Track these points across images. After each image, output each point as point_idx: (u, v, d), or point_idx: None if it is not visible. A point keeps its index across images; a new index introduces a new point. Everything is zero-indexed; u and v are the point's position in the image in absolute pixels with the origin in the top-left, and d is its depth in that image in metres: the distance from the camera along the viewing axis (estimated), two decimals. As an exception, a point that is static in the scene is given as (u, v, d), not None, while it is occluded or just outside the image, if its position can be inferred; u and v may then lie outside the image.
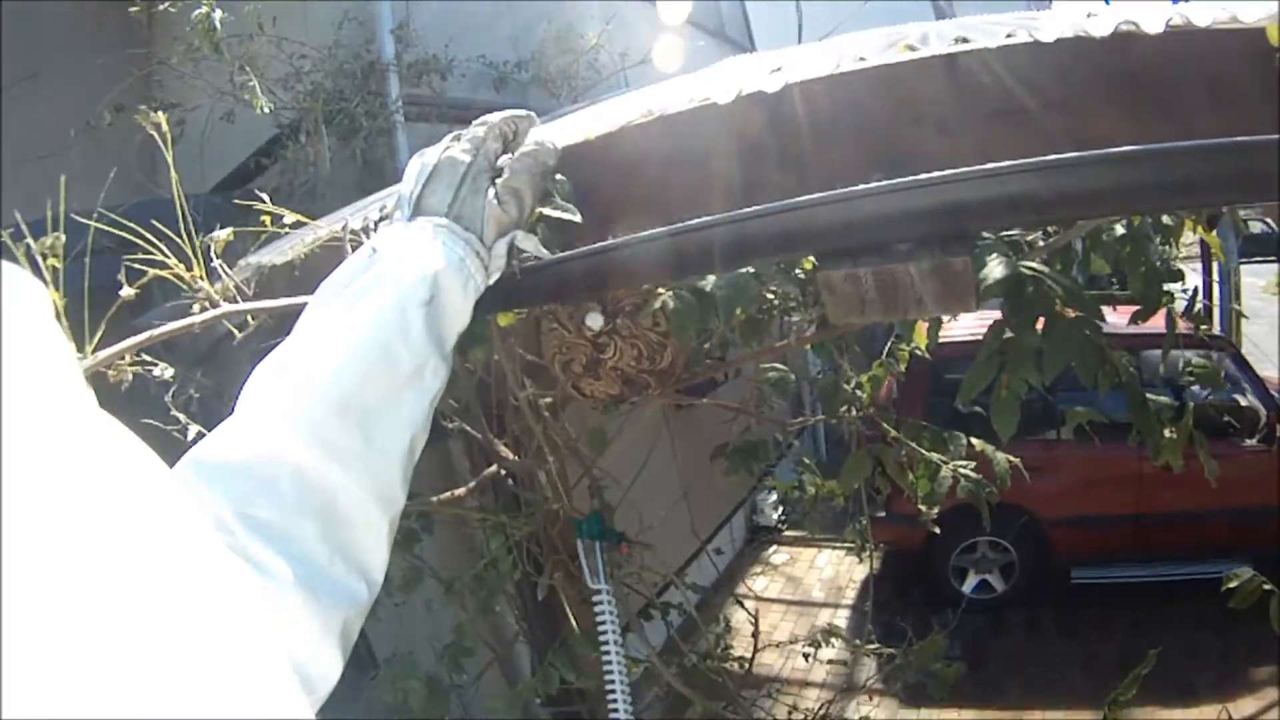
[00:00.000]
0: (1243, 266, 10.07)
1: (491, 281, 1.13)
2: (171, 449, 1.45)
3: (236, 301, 1.41)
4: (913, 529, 5.55)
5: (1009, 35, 0.97)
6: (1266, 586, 2.07)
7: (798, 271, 1.59)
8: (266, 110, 4.07)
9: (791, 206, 0.94)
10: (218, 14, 3.75)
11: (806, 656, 3.62)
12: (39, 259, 1.22)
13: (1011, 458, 2.19)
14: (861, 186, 0.90)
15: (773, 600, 7.59)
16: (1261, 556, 6.42)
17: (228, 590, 0.55)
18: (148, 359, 1.45)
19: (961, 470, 2.06)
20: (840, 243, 0.97)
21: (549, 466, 1.87)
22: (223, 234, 1.48)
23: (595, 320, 1.39)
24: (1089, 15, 0.96)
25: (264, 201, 1.52)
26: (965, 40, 1.01)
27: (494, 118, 1.18)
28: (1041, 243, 1.63)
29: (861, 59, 1.03)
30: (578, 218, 1.16)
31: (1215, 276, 8.71)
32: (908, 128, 1.02)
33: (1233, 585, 2.15)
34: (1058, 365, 1.41)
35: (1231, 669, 5.77)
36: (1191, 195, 0.86)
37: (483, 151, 1.14)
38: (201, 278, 1.40)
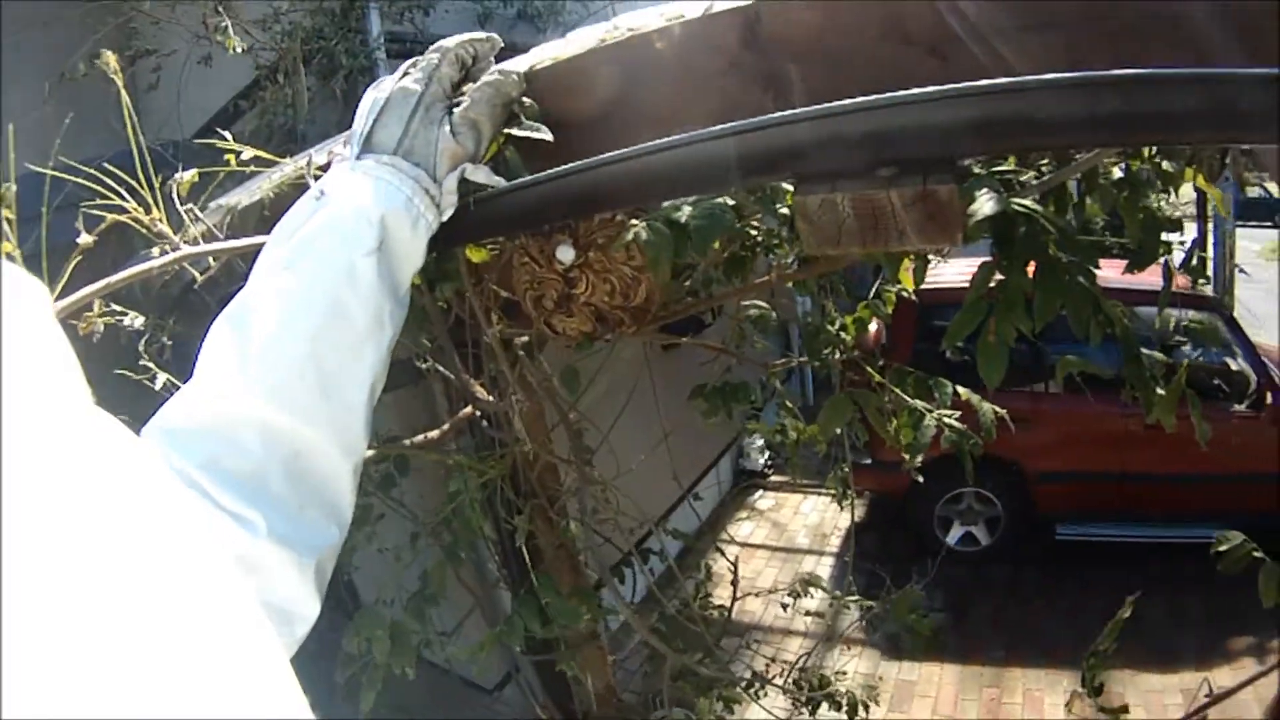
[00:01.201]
0: (1238, 230, 10.01)
1: (445, 218, 1.08)
2: (144, 399, 1.43)
3: (201, 241, 1.37)
4: (896, 476, 5.53)
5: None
6: (1257, 554, 2.03)
7: (781, 208, 1.53)
8: (239, 50, 3.99)
9: (764, 124, 0.87)
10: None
11: (785, 607, 3.61)
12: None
13: (998, 409, 2.14)
14: (840, 103, 0.83)
15: (757, 546, 7.64)
16: (1246, 523, 6.44)
17: (224, 587, 0.55)
18: (117, 308, 1.42)
19: (946, 420, 2.01)
20: (816, 164, 0.90)
21: (521, 407, 1.82)
22: (186, 175, 1.43)
23: (566, 253, 1.33)
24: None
25: (228, 141, 1.47)
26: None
27: (449, 42, 1.12)
28: (1035, 181, 1.57)
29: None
30: (549, 136, 1.11)
31: (1211, 236, 8.65)
32: (896, 48, 0.96)
33: (1222, 549, 2.10)
34: (1049, 311, 1.35)
35: (1211, 636, 5.80)
36: (1216, 125, 0.79)
37: (436, 79, 1.09)
38: (161, 221, 1.36)
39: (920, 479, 2.54)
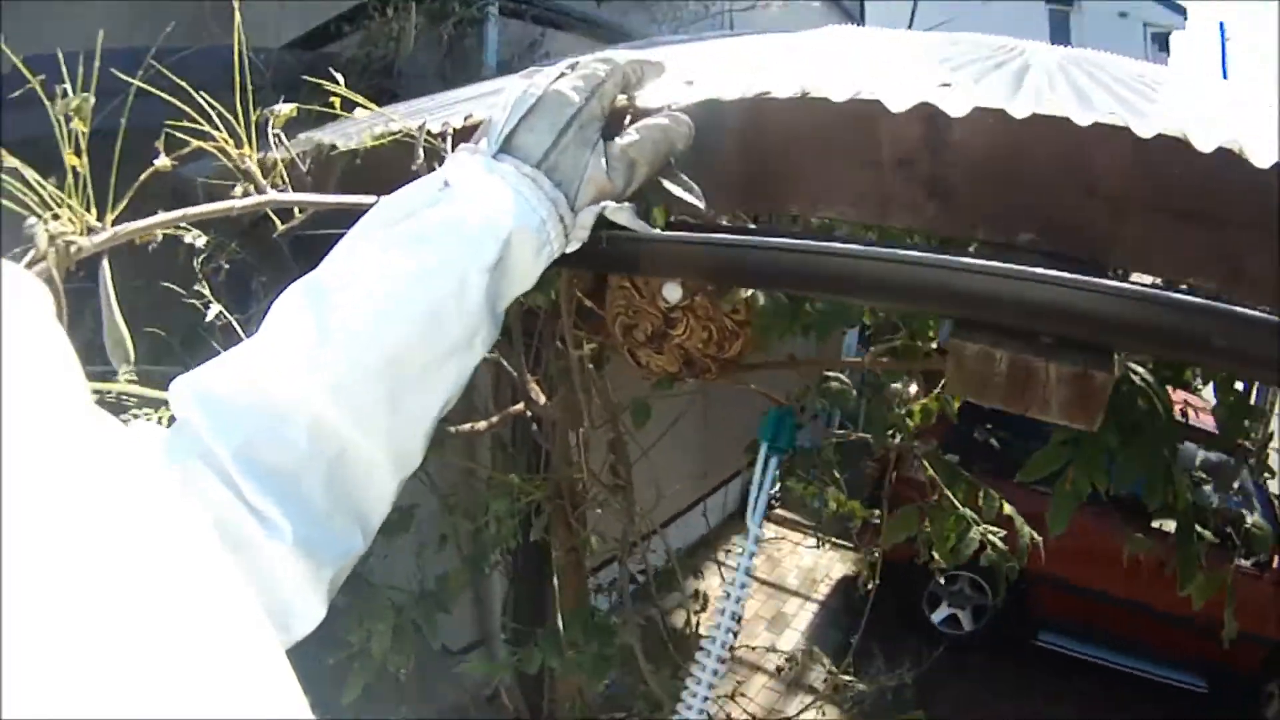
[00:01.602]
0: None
1: (570, 250, 0.98)
2: (188, 317, 1.38)
3: (286, 182, 1.26)
4: (905, 544, 5.50)
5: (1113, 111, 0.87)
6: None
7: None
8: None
9: (956, 265, 0.82)
10: None
11: (780, 670, 3.61)
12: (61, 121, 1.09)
13: (1035, 535, 2.10)
14: (1042, 271, 0.78)
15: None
16: (1223, 677, 6.45)
17: (224, 589, 0.53)
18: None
19: (990, 538, 1.97)
20: (993, 316, 0.86)
21: (583, 429, 1.77)
22: (284, 109, 1.30)
23: (673, 292, 1.29)
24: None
25: (335, 80, 1.35)
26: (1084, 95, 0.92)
27: (621, 57, 1.02)
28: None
29: (1051, 103, 0.91)
30: (701, 204, 1.02)
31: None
32: (1076, 194, 0.91)
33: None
34: (1128, 478, 1.32)
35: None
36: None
37: (598, 95, 0.98)
38: (250, 158, 1.23)
39: (943, 581, 2.49)
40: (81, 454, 0.49)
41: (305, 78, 1.40)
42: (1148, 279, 0.97)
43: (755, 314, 1.23)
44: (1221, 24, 27.17)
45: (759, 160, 1.10)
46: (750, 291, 1.20)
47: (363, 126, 1.42)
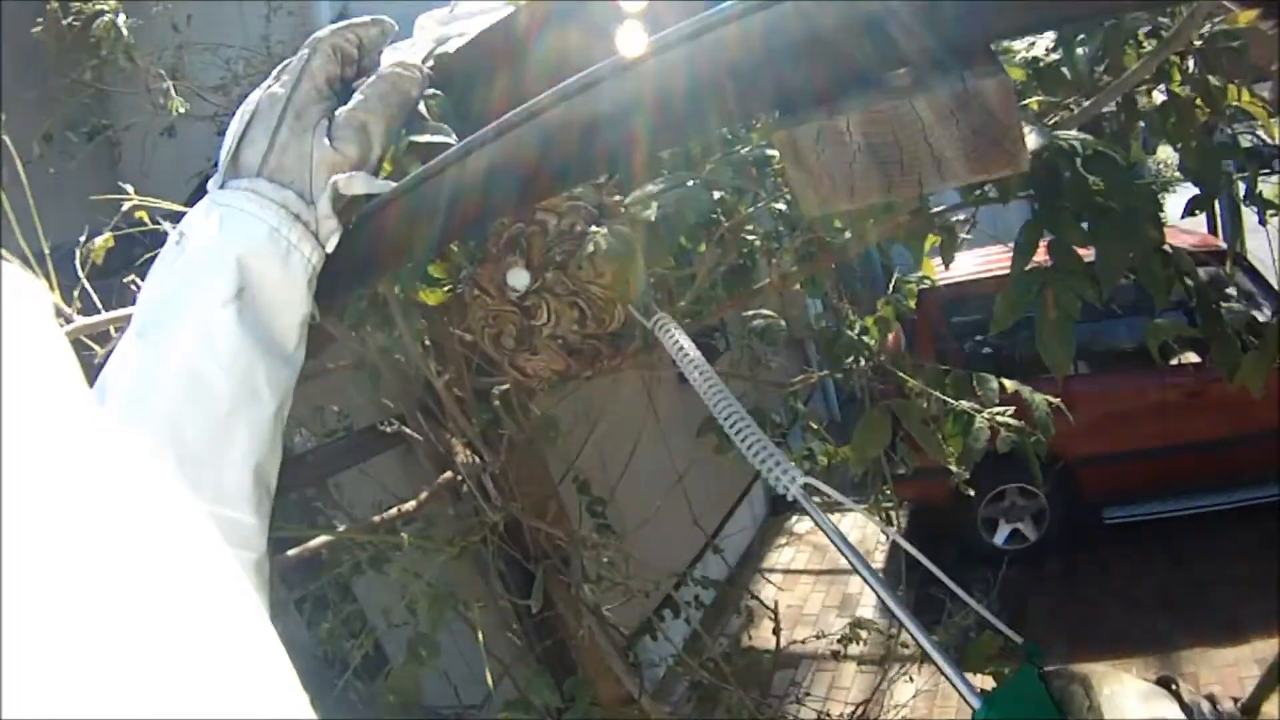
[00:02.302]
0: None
1: (329, 247, 0.87)
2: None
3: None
4: (937, 483, 5.30)
5: None
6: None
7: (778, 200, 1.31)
8: (182, 111, 3.81)
9: (702, 27, 0.59)
10: (123, 19, 3.53)
11: (836, 655, 3.44)
12: None
13: (1050, 398, 1.88)
14: None
15: (799, 572, 7.45)
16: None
17: (229, 589, 0.51)
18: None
19: (1000, 419, 1.74)
20: (801, 76, 0.60)
21: (493, 468, 1.58)
22: (99, 241, 1.31)
23: (518, 278, 1.09)
24: None
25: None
26: None
27: (323, 31, 0.91)
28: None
29: None
30: (451, 139, 0.88)
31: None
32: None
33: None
34: (1115, 272, 1.11)
35: (1276, 599, 5.51)
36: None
37: (306, 75, 0.88)
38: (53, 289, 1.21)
39: (971, 492, 2.24)
40: (83, 454, 0.48)
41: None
42: None
43: (609, 262, 1.02)
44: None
45: (510, 88, 0.94)
46: (592, 248, 1.00)
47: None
